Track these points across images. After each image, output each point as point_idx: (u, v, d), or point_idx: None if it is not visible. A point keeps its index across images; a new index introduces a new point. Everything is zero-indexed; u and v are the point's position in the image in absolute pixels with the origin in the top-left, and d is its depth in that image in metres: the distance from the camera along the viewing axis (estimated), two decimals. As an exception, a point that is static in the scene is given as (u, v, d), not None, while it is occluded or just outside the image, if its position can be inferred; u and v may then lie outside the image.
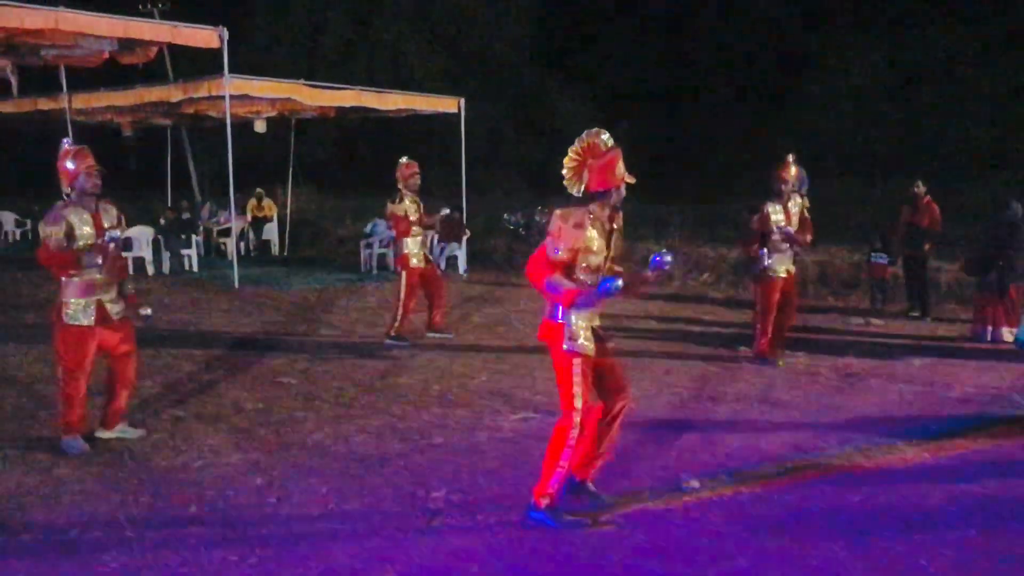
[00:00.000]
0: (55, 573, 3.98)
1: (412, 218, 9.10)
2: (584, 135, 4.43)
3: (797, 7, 27.39)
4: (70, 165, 5.59)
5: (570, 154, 4.43)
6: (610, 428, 4.60)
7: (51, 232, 5.49)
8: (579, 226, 4.32)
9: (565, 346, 4.38)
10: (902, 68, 25.27)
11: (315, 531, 4.41)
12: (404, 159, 9.29)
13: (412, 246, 9.13)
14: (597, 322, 4.53)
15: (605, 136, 4.40)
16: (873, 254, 11.48)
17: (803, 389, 7.29)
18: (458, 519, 4.54)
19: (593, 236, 4.36)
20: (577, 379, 4.37)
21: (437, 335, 9.37)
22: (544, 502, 4.41)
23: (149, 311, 6.13)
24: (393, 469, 5.32)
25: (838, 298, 12.13)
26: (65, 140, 5.89)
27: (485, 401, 6.88)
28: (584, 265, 4.38)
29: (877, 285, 11.50)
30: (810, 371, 7.94)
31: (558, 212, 4.36)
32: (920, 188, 10.87)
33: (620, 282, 4.26)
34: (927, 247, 10.81)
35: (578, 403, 4.36)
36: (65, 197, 5.67)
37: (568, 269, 4.37)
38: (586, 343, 4.40)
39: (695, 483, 4.97)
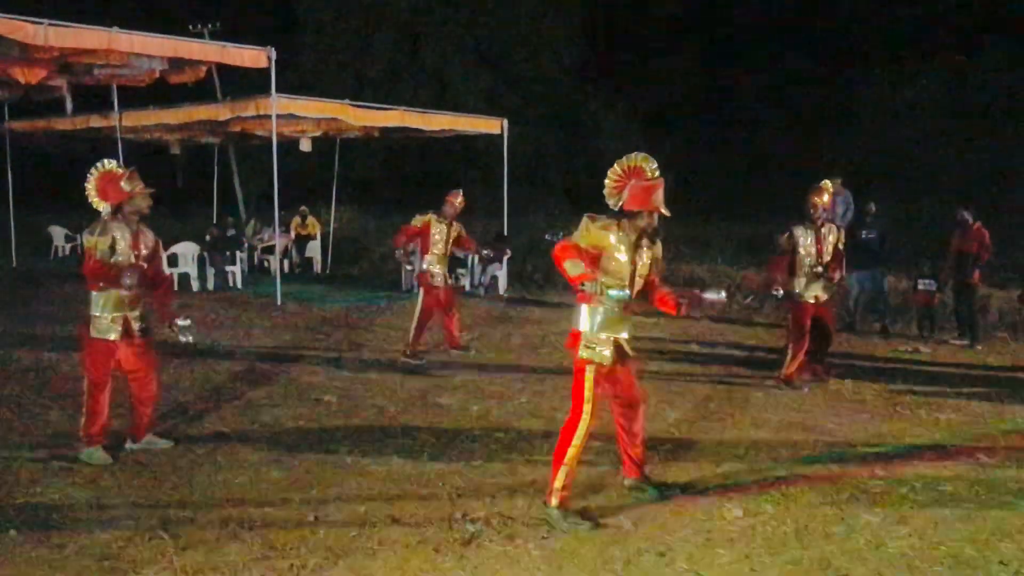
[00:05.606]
0: (96, 586, 4.02)
1: (436, 238, 9.21)
2: (632, 155, 4.72)
3: (849, 32, 27.15)
4: (125, 186, 5.73)
5: (616, 169, 4.73)
6: (633, 440, 5.06)
7: (97, 243, 5.64)
8: (605, 228, 4.69)
9: (581, 353, 4.73)
10: (954, 92, 24.90)
11: (353, 550, 4.40)
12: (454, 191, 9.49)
13: (434, 264, 9.23)
14: (625, 335, 4.80)
15: (653, 164, 4.69)
16: (921, 280, 11.28)
17: (849, 417, 7.15)
18: (496, 541, 4.51)
19: (619, 245, 4.68)
20: (588, 384, 4.69)
21: (456, 351, 9.51)
22: (553, 500, 4.68)
23: (188, 322, 6.15)
24: (432, 489, 5.31)
25: (885, 324, 11.90)
26: (108, 160, 5.97)
27: (524, 422, 6.84)
28: (609, 270, 4.69)
29: (924, 312, 11.29)
30: (856, 398, 7.79)
31: (588, 215, 4.73)
32: (967, 214, 10.62)
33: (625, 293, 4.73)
34: (976, 274, 10.58)
35: (586, 408, 4.68)
36: (110, 215, 5.78)
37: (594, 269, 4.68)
38: (603, 352, 4.68)
39: (738, 511, 4.89)
